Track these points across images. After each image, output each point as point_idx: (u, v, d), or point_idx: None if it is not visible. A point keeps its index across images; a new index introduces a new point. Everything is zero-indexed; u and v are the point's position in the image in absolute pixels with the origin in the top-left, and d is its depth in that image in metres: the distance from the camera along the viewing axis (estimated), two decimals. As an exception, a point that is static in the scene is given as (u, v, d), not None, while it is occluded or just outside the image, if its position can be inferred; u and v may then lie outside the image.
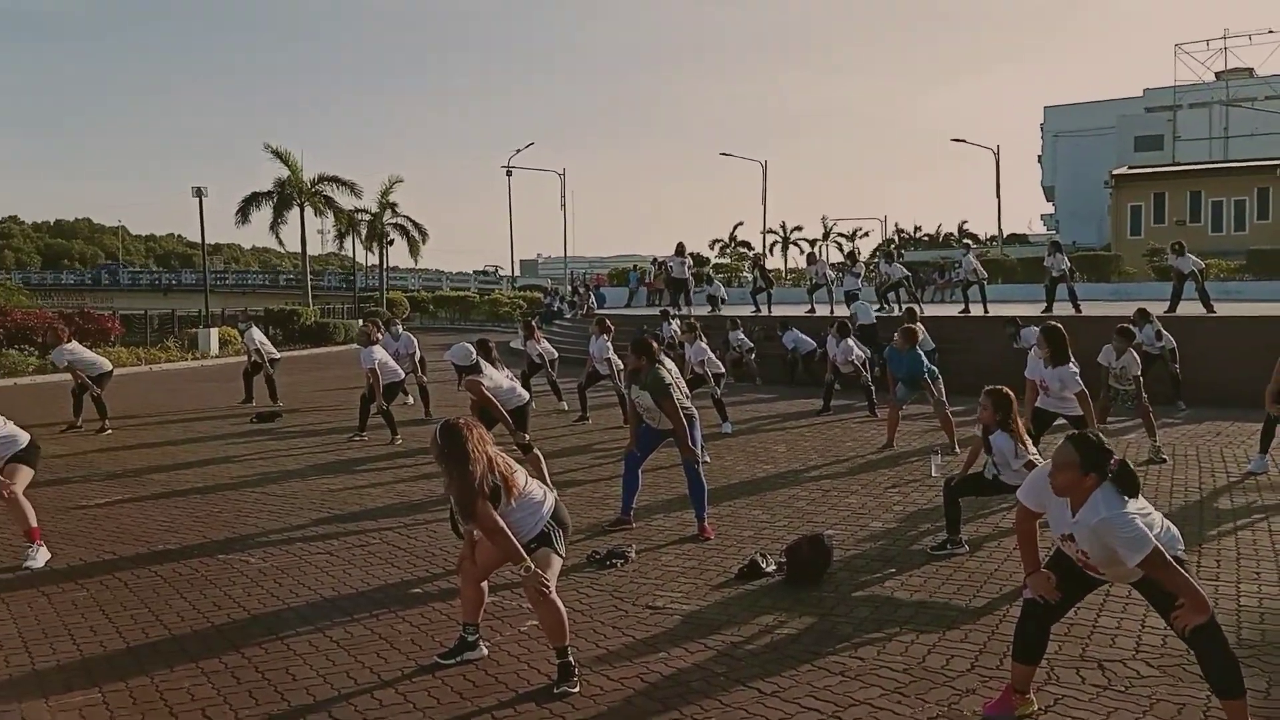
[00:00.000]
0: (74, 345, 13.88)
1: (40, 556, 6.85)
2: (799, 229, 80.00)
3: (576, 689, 4.60)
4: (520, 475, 4.77)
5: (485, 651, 5.04)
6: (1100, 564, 3.93)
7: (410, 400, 15.27)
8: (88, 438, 12.81)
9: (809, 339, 18.04)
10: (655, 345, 7.66)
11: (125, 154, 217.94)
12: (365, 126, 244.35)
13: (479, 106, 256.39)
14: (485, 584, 5.08)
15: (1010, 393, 6.80)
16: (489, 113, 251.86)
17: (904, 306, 19.85)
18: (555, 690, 4.59)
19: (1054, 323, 8.76)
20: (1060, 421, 8.62)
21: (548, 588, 4.55)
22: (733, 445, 11.61)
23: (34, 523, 6.93)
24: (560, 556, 4.79)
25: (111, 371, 14.01)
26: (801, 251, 73.65)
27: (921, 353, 11.43)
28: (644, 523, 7.77)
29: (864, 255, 42.09)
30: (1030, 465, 6.48)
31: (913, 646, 5.08)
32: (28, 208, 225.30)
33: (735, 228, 75.15)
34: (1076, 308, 19.14)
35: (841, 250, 72.14)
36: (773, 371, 18.32)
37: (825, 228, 79.23)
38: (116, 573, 6.66)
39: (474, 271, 75.89)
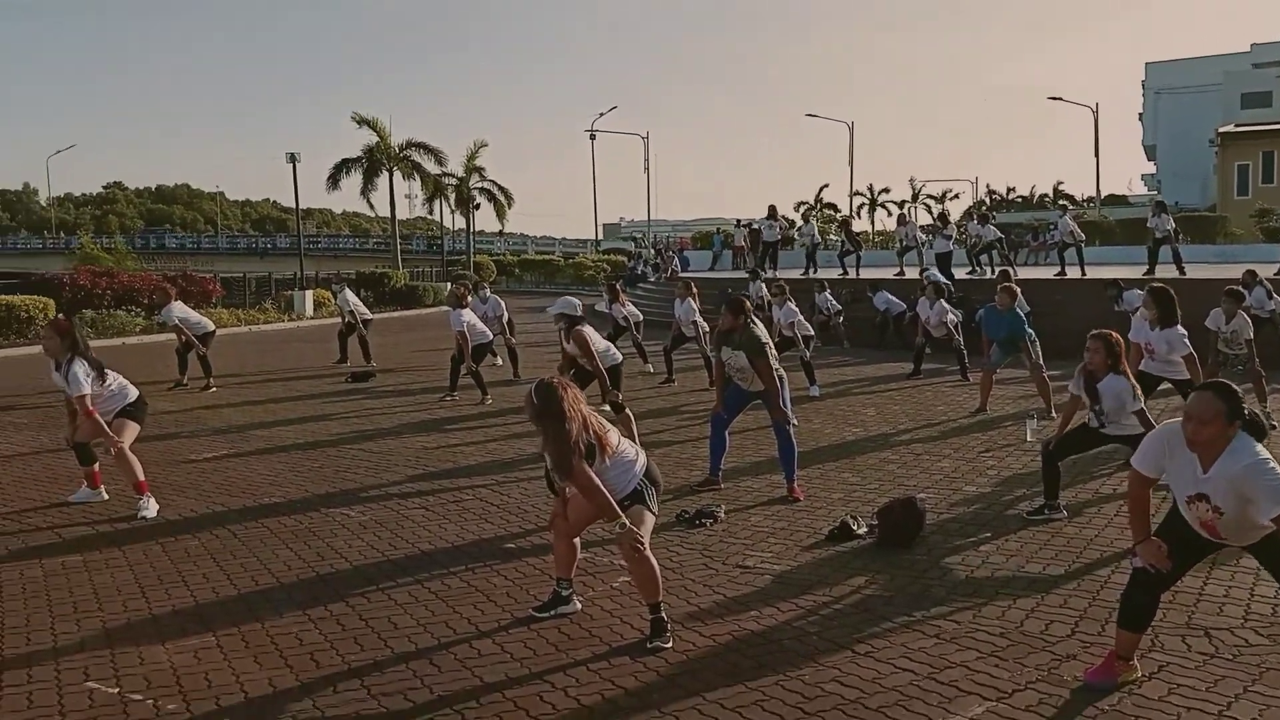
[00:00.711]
0: (181, 305, 14.39)
1: (151, 507, 7.17)
2: (886, 191, 78.45)
3: (669, 644, 4.65)
4: (613, 434, 4.81)
5: (579, 606, 5.13)
6: (1230, 524, 3.81)
7: (499, 362, 15.48)
8: (194, 395, 13.31)
9: (899, 301, 17.77)
10: (749, 305, 7.62)
11: (221, 120, 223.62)
12: (447, 91, 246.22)
13: (560, 71, 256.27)
14: (577, 540, 5.15)
15: (1119, 336, 6.59)
16: (571, 77, 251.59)
17: (997, 269, 19.40)
18: (649, 645, 4.65)
19: (1161, 284, 8.47)
20: (1165, 386, 8.36)
21: (642, 544, 4.60)
22: (820, 409, 11.53)
23: (141, 476, 7.24)
24: (653, 514, 4.83)
25: (214, 331, 14.51)
26: (889, 214, 72.40)
27: (1022, 313, 11.13)
28: (732, 484, 7.78)
29: (955, 217, 41.12)
30: (1142, 415, 6.28)
31: (1010, 611, 5.02)
32: (131, 173, 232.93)
33: (821, 190, 74.03)
34: (1181, 270, 18.47)
35: (930, 212, 70.56)
36: (861, 335, 18.10)
37: (914, 189, 77.62)
38: (226, 523, 6.93)
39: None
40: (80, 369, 7.04)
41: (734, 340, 7.41)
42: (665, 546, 6.12)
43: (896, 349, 16.74)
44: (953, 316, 13.86)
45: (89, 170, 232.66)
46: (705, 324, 13.54)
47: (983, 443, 9.32)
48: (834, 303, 17.93)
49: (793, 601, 5.24)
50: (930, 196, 77.63)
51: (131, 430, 7.38)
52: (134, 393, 7.47)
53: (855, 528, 6.36)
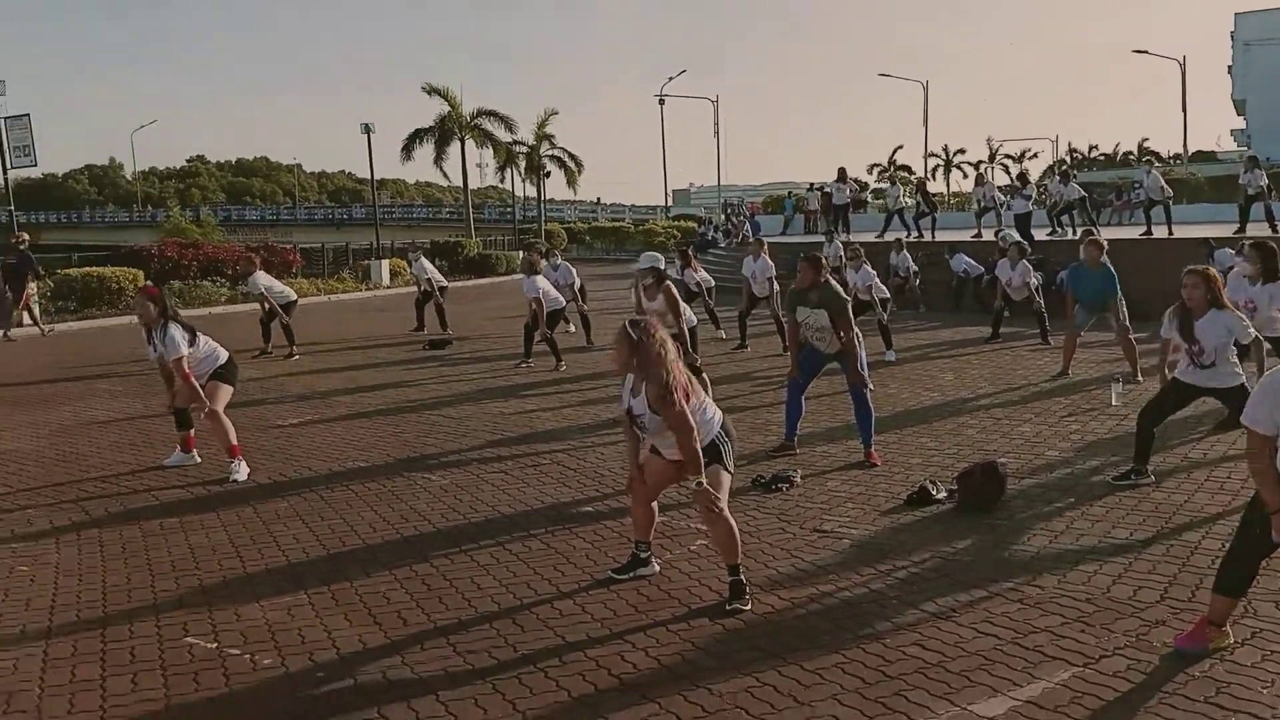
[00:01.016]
0: (265, 275, 14.71)
1: (242, 470, 7.39)
2: (962, 152, 76.98)
3: (748, 606, 4.68)
4: (695, 384, 4.81)
5: (657, 568, 5.17)
6: None
7: (571, 328, 15.58)
8: (277, 362, 13.65)
9: (977, 264, 17.43)
10: (825, 262, 7.53)
11: (298, 94, 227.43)
12: (517, 61, 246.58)
13: (629, 35, 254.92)
14: (655, 504, 5.18)
15: (1216, 272, 6.33)
16: (639, 41, 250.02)
17: (1079, 230, 18.89)
18: (727, 607, 4.68)
19: (1263, 239, 8.18)
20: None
21: (719, 505, 4.61)
22: (897, 373, 11.40)
23: (234, 440, 7.46)
24: (729, 473, 4.83)
25: (296, 300, 14.84)
26: (964, 175, 70.91)
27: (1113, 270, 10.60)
28: (808, 449, 7.75)
29: (1034, 177, 39.93)
30: (1257, 344, 6.03)
31: (1096, 577, 4.93)
32: (213, 147, 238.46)
33: (894, 151, 73.04)
34: (1273, 227, 17.78)
35: (1008, 173, 68.93)
36: (936, 299, 17.83)
37: (991, 149, 75.88)
38: (313, 486, 7.13)
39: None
40: (176, 331, 7.27)
41: (812, 299, 7.32)
42: (741, 511, 6.12)
43: (974, 313, 16.46)
44: (1034, 279, 13.51)
45: (172, 145, 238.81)
46: (778, 285, 13.45)
47: (1065, 407, 9.13)
48: (911, 263, 17.65)
49: (871, 566, 5.22)
50: (1008, 156, 75.91)
51: (225, 393, 7.57)
52: (224, 355, 7.66)
53: (934, 492, 6.30)
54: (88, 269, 22.21)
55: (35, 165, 22.30)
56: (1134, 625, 4.35)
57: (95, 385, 12.16)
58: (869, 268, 13.00)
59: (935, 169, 70.76)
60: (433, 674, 4.10)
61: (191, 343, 7.36)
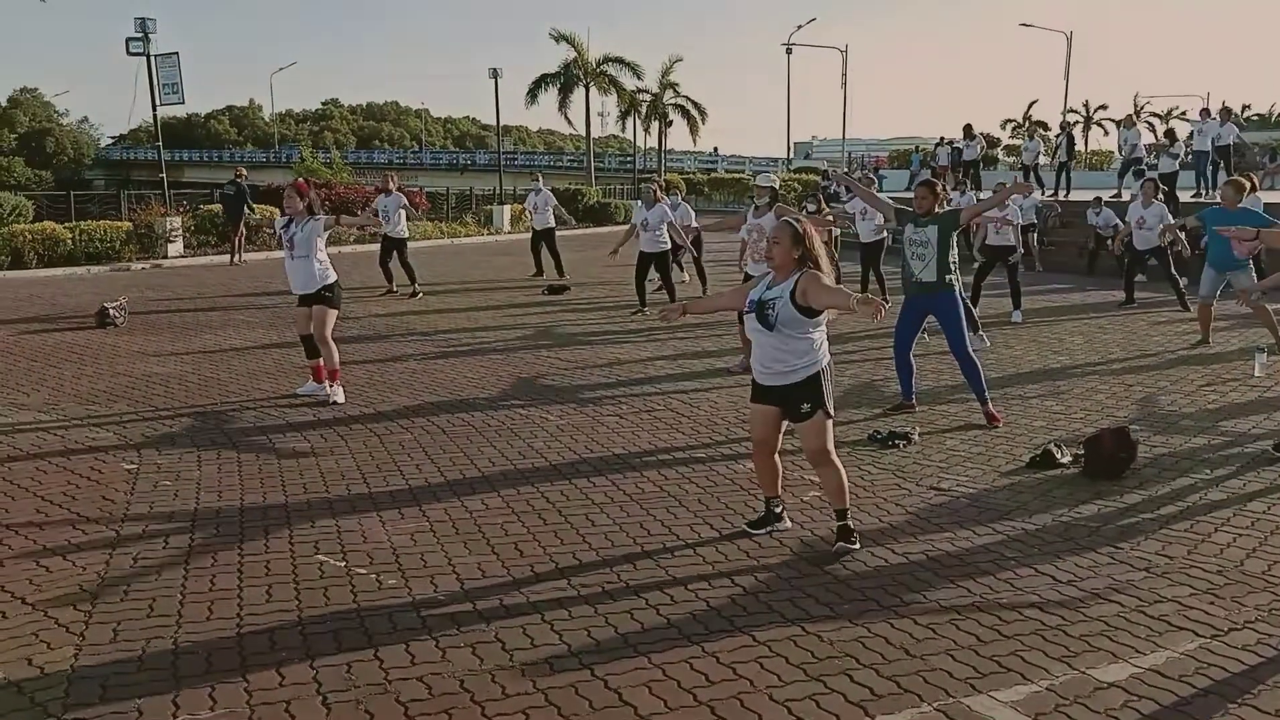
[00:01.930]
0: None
1: (339, 394, 7.84)
2: (1103, 108, 73.47)
3: (856, 546, 4.69)
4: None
5: (790, 524, 5.08)
6: None
7: (686, 278, 15.55)
8: (401, 300, 14.05)
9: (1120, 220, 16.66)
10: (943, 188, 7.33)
11: (425, 38, 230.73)
12: (642, 6, 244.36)
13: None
14: (778, 457, 5.07)
15: None
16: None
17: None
18: (834, 547, 4.69)
19: None
20: None
21: (883, 311, 4.33)
22: (1022, 335, 11.05)
23: (337, 365, 7.93)
24: (830, 415, 4.75)
25: (409, 238, 15.15)
26: (1105, 132, 67.65)
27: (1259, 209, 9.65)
28: (928, 407, 7.62)
29: (1183, 136, 37.63)
30: None
31: (1229, 549, 4.74)
32: (346, 90, 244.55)
33: (1030, 106, 70.11)
34: None
35: (1154, 131, 65.49)
36: (1068, 260, 17.17)
37: (1136, 106, 72.06)
38: (434, 419, 7.35)
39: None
40: (318, 224, 7.77)
41: (924, 220, 7.15)
42: (856, 465, 6.08)
43: (1109, 276, 15.78)
44: (1170, 220, 12.64)
45: (308, 87, 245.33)
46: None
47: (1204, 376, 8.72)
48: (1115, 219, 16.76)
49: (989, 525, 5.13)
50: (1154, 114, 72.02)
51: (331, 317, 7.93)
52: (334, 276, 7.98)
53: (1059, 456, 6.12)
54: (228, 205, 23.10)
55: (183, 103, 23.04)
56: (1266, 600, 4.17)
57: (234, 316, 12.72)
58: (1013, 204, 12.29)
59: (1074, 125, 67.69)
60: (547, 603, 4.21)
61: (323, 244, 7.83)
